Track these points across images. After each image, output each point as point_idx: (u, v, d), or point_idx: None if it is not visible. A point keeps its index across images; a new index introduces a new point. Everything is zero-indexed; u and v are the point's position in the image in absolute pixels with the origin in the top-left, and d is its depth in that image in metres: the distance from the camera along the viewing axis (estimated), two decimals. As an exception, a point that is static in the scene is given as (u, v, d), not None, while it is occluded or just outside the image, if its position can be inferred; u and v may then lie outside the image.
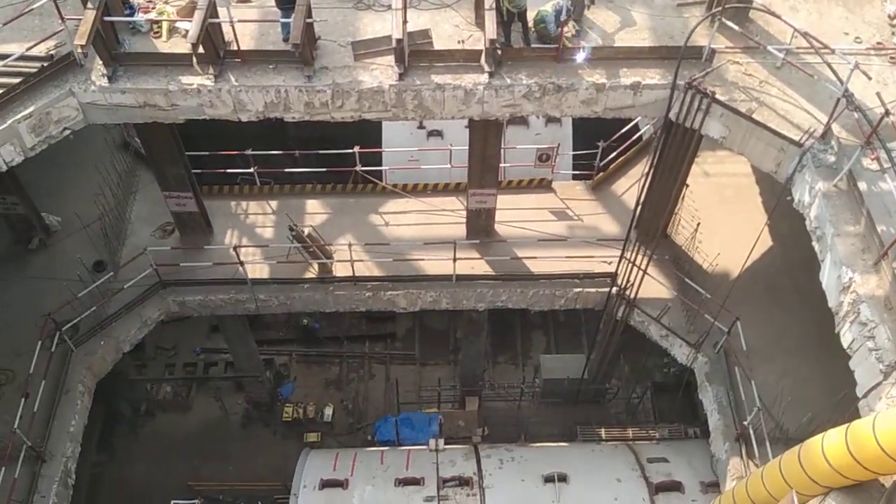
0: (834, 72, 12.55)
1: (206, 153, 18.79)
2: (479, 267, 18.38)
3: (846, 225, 12.01)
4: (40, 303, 16.84)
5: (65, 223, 18.91)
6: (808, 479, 10.53)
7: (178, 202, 17.78)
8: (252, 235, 19.10)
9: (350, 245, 17.61)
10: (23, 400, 15.31)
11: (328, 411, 23.84)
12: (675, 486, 16.98)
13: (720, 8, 13.46)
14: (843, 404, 12.36)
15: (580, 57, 13.98)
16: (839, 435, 10.11)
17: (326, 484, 17.41)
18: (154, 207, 19.06)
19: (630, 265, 16.94)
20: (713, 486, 16.57)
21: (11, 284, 17.86)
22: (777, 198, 13.90)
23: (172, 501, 18.36)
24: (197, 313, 18.98)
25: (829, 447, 10.19)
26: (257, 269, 18.16)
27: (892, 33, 14.42)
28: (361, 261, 18.08)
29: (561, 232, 18.76)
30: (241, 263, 17.50)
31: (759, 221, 15.88)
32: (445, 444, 18.32)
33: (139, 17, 14.18)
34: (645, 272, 16.82)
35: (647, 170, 15.91)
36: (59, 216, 18.98)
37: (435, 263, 18.12)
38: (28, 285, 17.81)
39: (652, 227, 17.17)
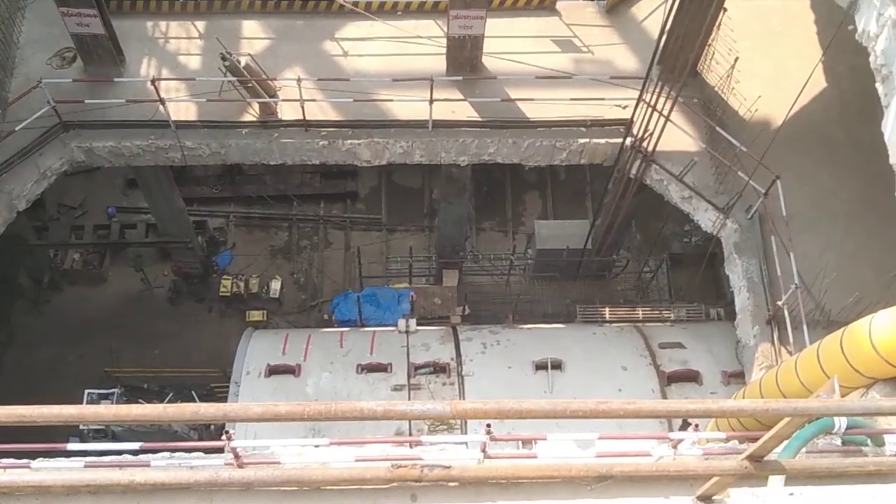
0: None
1: (113, -45, 18.14)
2: (462, 110, 18.31)
3: (920, 57, 11.91)
4: None
5: (-66, 47, 18.41)
6: (850, 368, 10.83)
7: (80, 22, 17.36)
8: (174, 65, 18.79)
9: (299, 79, 17.33)
10: None
11: (275, 285, 24.21)
12: (691, 376, 17.50)
13: None
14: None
15: None
16: (890, 317, 10.34)
17: (274, 370, 17.78)
18: (49, 28, 18.62)
19: (650, 110, 16.83)
20: (737, 377, 17.09)
21: None
22: (835, 27, 13.66)
23: (86, 391, 18.80)
24: (108, 163, 18.87)
25: (878, 332, 10.42)
26: (182, 108, 17.96)
27: None
28: (314, 101, 17.88)
29: (565, 66, 18.63)
30: (162, 101, 17.25)
31: (811, 57, 15.77)
32: (418, 324, 18.66)
33: None
34: (668, 119, 16.74)
35: (675, -12, 15.57)
36: (-74, 38, 18.45)
37: (407, 105, 17.99)
38: None
39: (679, 62, 16.92)
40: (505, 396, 16.62)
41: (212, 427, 17.69)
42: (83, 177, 23.59)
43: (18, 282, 23.49)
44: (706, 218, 17.69)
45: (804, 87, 14.93)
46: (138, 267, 24.20)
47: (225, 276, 24.15)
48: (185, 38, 19.15)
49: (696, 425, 6.87)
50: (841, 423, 7.56)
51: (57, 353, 22.81)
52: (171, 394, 20.05)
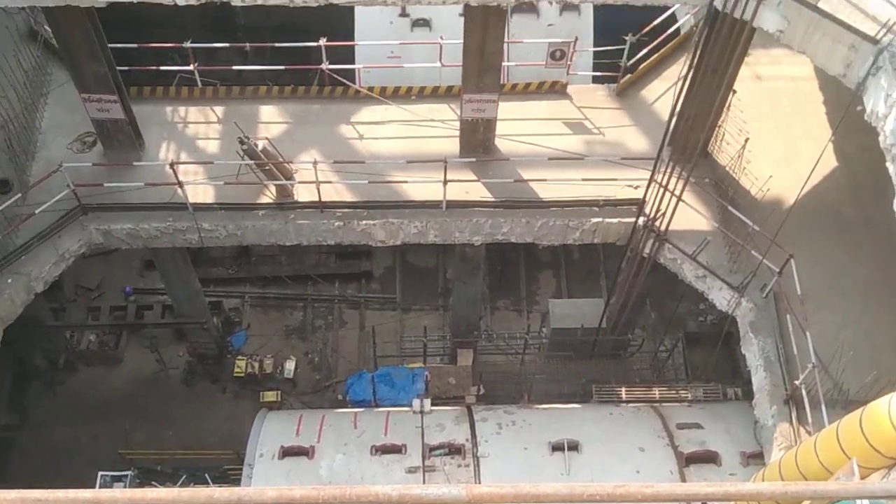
0: (922, -52, 12.38)
1: (135, 45, 18.50)
2: (476, 191, 18.40)
3: (929, 141, 12.01)
4: (-69, 231, 16.79)
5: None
6: (870, 448, 10.69)
7: (101, 107, 17.61)
8: (192, 149, 19.01)
9: (315, 163, 17.47)
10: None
11: (289, 366, 24.12)
12: (710, 457, 17.25)
13: None
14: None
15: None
16: (910, 396, 10.25)
17: (288, 452, 17.62)
18: (70, 114, 18.89)
19: (661, 190, 16.93)
20: (756, 457, 16.85)
21: None
22: (844, 108, 13.81)
23: (100, 473, 18.63)
24: (126, 245, 18.96)
25: (898, 411, 10.34)
26: (200, 191, 18.13)
27: None
28: (329, 182, 18.04)
29: (577, 148, 18.75)
30: (180, 184, 17.43)
31: (821, 138, 15.87)
32: (432, 404, 18.52)
33: None
34: (679, 199, 16.83)
35: (685, 71, 15.80)
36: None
37: (421, 186, 18.10)
38: (-85, 209, 17.71)
39: (690, 144, 17.09)
40: (521, 478, 16.53)
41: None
42: (100, 259, 23.77)
43: (34, 363, 23.50)
44: (721, 297, 17.64)
45: (815, 166, 15.03)
46: (154, 348, 24.19)
47: (239, 357, 24.09)
48: (203, 123, 19.41)
49: (716, 508, 6.78)
50: (863, 505, 7.46)
51: (71, 434, 22.69)
52: (184, 476, 19.84)
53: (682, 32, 20.23)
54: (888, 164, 12.73)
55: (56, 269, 18.16)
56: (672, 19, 19.97)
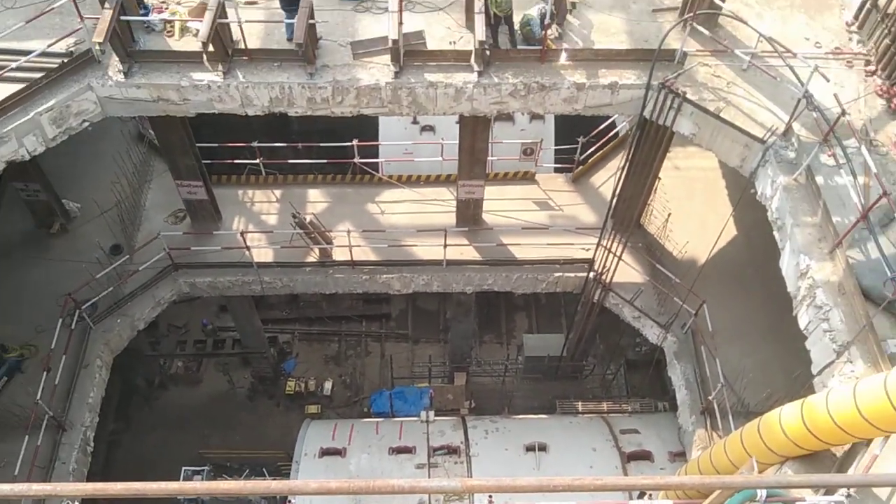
0: (795, 74, 12.55)
1: (216, 144, 18.66)
2: (468, 253, 18.36)
3: (804, 216, 12.05)
4: (61, 283, 16.72)
5: (84, 209, 18.77)
6: (766, 448, 10.59)
7: (190, 190, 17.67)
8: (258, 222, 19.01)
9: (349, 231, 17.55)
10: (45, 373, 15.23)
11: (328, 385, 23.86)
12: (645, 455, 17.05)
13: (692, 14, 13.41)
14: (798, 381, 12.44)
15: (562, 58, 13.92)
16: (795, 409, 10.16)
17: (326, 452, 17.41)
18: (167, 195, 18.93)
19: (606, 252, 16.95)
20: (680, 456, 16.65)
21: (34, 266, 17.74)
22: (741, 191, 13.91)
23: (183, 468, 18.35)
24: (206, 294, 18.92)
25: (786, 420, 10.25)
26: (262, 253, 18.09)
27: (849, 39, 14.42)
28: (359, 246, 18.03)
29: (543, 221, 18.74)
30: (248, 248, 17.45)
31: (724, 213, 15.90)
32: (435, 415, 18.30)
33: (153, 16, 14.03)
34: (620, 258, 16.85)
35: (622, 164, 15.91)
36: (78, 203, 18.84)
37: (427, 249, 18.06)
38: (49, 267, 17.69)
39: (627, 217, 17.17)
40: (503, 473, 16.33)
41: (278, 497, 17.16)
42: (186, 304, 23.64)
43: (136, 383, 23.29)
44: (652, 332, 17.58)
45: (720, 234, 15.12)
46: (225, 371, 23.98)
47: (290, 379, 23.85)
48: (266, 202, 19.42)
49: (650, 495, 6.69)
50: (762, 493, 7.36)
51: (162, 438, 22.37)
52: (247, 471, 19.51)
53: (620, 135, 20.43)
54: (775, 233, 12.81)
55: (153, 312, 18.11)
56: (613, 125, 20.20)
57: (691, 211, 18.38)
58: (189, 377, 24.04)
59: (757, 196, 13.35)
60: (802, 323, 11.85)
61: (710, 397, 15.15)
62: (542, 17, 13.69)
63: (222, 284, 18.35)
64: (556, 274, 18.41)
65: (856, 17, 14.55)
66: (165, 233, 17.49)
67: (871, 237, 10.91)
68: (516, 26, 14.00)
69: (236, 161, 19.73)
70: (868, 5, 14.22)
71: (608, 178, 19.12)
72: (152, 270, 17.58)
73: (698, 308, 15.88)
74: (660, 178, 17.33)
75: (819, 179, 12.16)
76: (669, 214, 17.89)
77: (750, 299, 16.67)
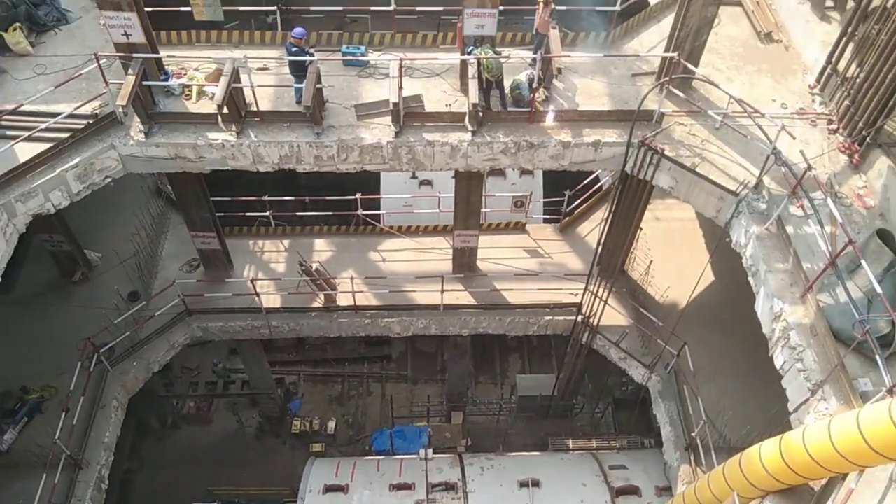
0: (764, 133, 12.76)
1: (229, 198, 18.77)
2: (464, 297, 18.32)
3: (776, 263, 12.10)
4: (81, 328, 16.63)
5: (105, 259, 18.78)
6: (748, 483, 10.46)
7: (204, 241, 17.72)
8: (267, 270, 18.99)
9: (352, 278, 17.57)
10: (63, 413, 15.05)
11: (331, 424, 23.53)
12: (633, 490, 16.77)
13: (667, 78, 13.67)
14: (776, 418, 12.31)
15: (549, 119, 14.14)
16: (774, 445, 10.07)
17: (329, 489, 17.10)
18: (182, 245, 18.97)
19: (593, 297, 16.94)
20: (666, 490, 16.38)
21: (56, 312, 17.67)
22: (718, 239, 13.99)
23: (194, 504, 18.02)
24: (218, 338, 18.79)
25: (766, 455, 10.14)
26: (271, 299, 18.03)
27: (812, 100, 14.70)
28: (362, 292, 18.01)
29: (534, 268, 18.76)
30: (257, 294, 17.41)
31: (702, 260, 15.94)
32: (434, 453, 18.03)
33: (173, 81, 14.28)
34: (606, 303, 16.84)
35: (606, 215, 16.01)
36: (99, 253, 18.86)
37: (425, 294, 18.04)
38: (71, 313, 17.62)
39: (611, 264, 17.22)
40: (497, 507, 15.99)
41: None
42: (199, 347, 23.46)
43: (149, 423, 22.98)
44: (637, 372, 17.46)
45: (699, 280, 15.15)
46: (235, 411, 23.69)
47: (296, 418, 23.53)
48: (275, 252, 19.44)
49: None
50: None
51: (174, 475, 21.94)
52: (254, 506, 19.18)
53: (604, 188, 20.61)
54: (750, 279, 12.84)
55: (168, 355, 17.97)
56: (597, 179, 20.38)
57: (671, 258, 18.41)
58: (200, 417, 23.72)
59: (732, 244, 13.42)
60: (778, 363, 11.79)
61: (693, 434, 14.98)
62: (531, 81, 13.97)
63: (233, 329, 18.25)
64: (547, 317, 18.36)
65: (817, 81, 14.86)
66: (180, 280, 17.45)
67: (840, 282, 10.94)
68: (507, 90, 14.25)
69: (248, 214, 19.83)
70: (828, 70, 14.54)
71: (593, 228, 19.27)
72: (167, 316, 17.51)
73: (680, 349, 15.81)
74: (641, 228, 17.43)
75: (789, 229, 12.26)
76: (651, 262, 17.95)
77: (728, 340, 16.59)
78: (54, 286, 18.28)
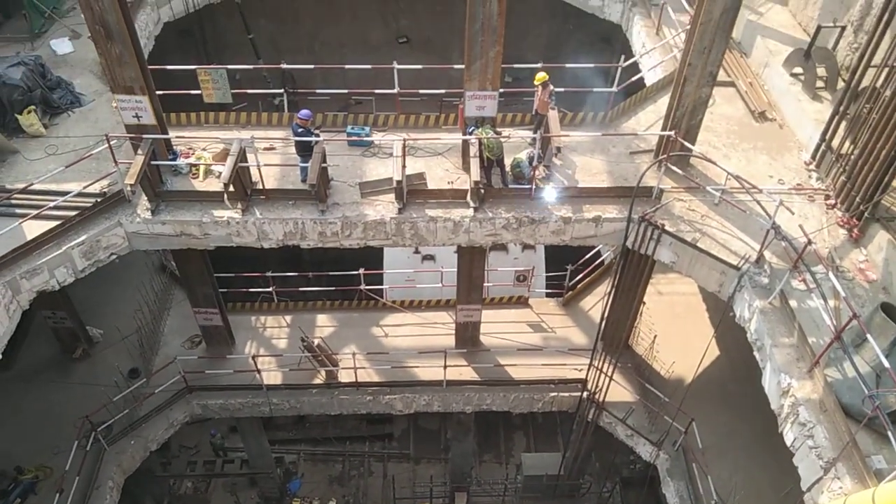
0: (763, 208, 12.93)
1: (232, 274, 18.87)
2: (467, 373, 18.15)
3: (781, 337, 12.03)
4: (80, 406, 16.43)
5: (106, 335, 18.73)
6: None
7: (206, 317, 17.72)
8: (268, 346, 18.90)
9: (354, 354, 17.47)
10: (57, 495, 14.70)
11: (331, 505, 22.95)
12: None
13: (665, 156, 13.97)
14: (789, 498, 11.99)
15: (550, 195, 14.38)
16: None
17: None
18: (184, 321, 18.95)
19: (598, 372, 16.78)
20: (679, 575, 15.78)
21: (56, 390, 17.51)
22: (721, 313, 13.95)
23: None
24: (218, 415, 18.51)
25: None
26: (272, 375, 17.88)
27: (809, 176, 14.95)
28: (363, 368, 17.86)
29: (537, 342, 18.64)
30: (258, 371, 17.27)
31: (707, 334, 15.88)
32: (437, 535, 17.53)
33: (181, 161, 14.60)
34: (611, 378, 16.65)
35: (609, 289, 16.04)
36: (101, 329, 18.84)
37: (428, 370, 17.89)
38: (70, 390, 17.46)
39: (615, 339, 17.13)
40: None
41: None
42: (198, 425, 23.11)
43: (144, 503, 22.35)
44: (645, 450, 17.10)
45: (704, 355, 15.04)
46: (233, 492, 23.09)
47: (295, 499, 22.91)
48: (276, 327, 19.39)
49: None
50: None
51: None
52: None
53: (606, 262, 20.71)
54: (755, 353, 12.73)
55: (166, 433, 17.70)
56: (598, 254, 20.51)
57: (676, 332, 18.32)
58: (198, 498, 23.11)
59: (736, 318, 13.38)
60: (788, 440, 11.56)
61: (704, 515, 14.56)
62: (531, 159, 14.28)
63: (233, 406, 18.01)
64: (552, 394, 18.12)
65: (813, 157, 15.16)
66: (181, 357, 17.37)
67: (846, 357, 10.85)
68: (507, 168, 14.54)
69: (251, 290, 19.89)
70: (823, 147, 14.85)
71: (596, 303, 19.25)
72: (167, 393, 17.33)
73: (687, 425, 15.54)
74: (644, 303, 17.43)
75: (792, 303, 12.25)
76: (655, 336, 17.85)
77: (737, 416, 16.32)
78: (55, 362, 18.18)
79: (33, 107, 15.41)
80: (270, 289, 19.36)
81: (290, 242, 14.52)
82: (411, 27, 26.56)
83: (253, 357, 17.31)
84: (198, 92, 15.76)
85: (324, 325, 19.46)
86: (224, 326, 18.13)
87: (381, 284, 20.54)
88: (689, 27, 13.64)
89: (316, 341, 17.95)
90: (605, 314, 16.12)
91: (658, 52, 18.38)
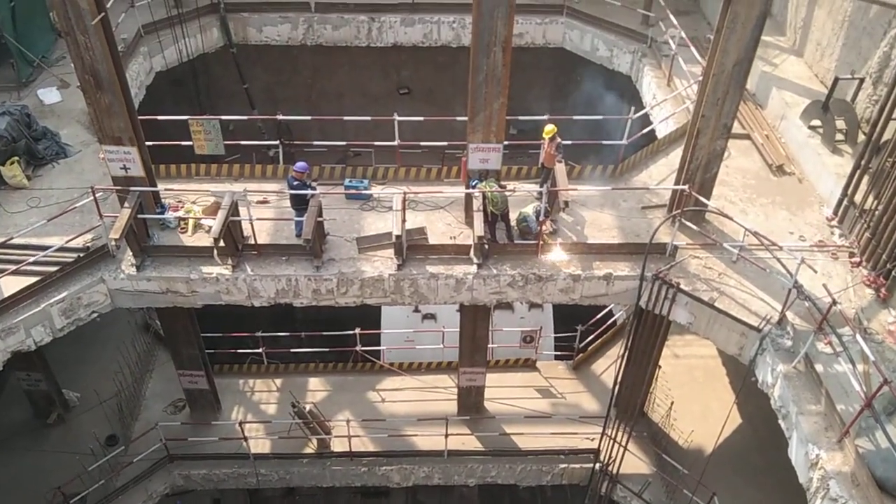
0: (783, 266, 12.89)
1: (219, 335, 18.76)
2: (470, 442, 17.86)
3: (808, 404, 11.82)
4: (53, 476, 16.11)
5: (83, 398, 18.49)
6: None
7: (191, 380, 17.54)
8: (257, 412, 18.65)
9: (348, 421, 17.22)
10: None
11: (322, 588, 22.21)
12: None
13: (679, 211, 14.03)
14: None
15: (558, 251, 14.38)
16: None
17: None
18: (168, 384, 18.74)
19: (611, 442, 16.48)
20: None
21: (27, 458, 17.18)
22: (742, 378, 13.77)
23: None
24: (201, 487, 18.13)
25: None
26: (260, 443, 17.61)
27: (831, 233, 14.97)
28: (358, 436, 17.59)
29: (546, 409, 18.41)
30: (245, 439, 17.00)
31: (728, 400, 15.67)
32: None
33: (169, 214, 14.69)
34: (625, 448, 16.34)
35: (622, 352, 15.85)
36: (78, 392, 18.61)
37: (428, 439, 17.62)
38: (43, 458, 17.13)
39: (630, 406, 16.88)
40: None
41: None
42: (179, 497, 22.63)
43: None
44: (663, 527, 16.66)
45: (725, 423, 14.78)
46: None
47: (283, 580, 22.27)
48: (266, 392, 19.20)
49: None
50: None
51: None
52: None
53: (618, 323, 20.59)
54: (780, 422, 12.51)
55: (144, 507, 17.31)
56: (610, 314, 20.41)
57: (694, 399, 18.10)
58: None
59: (758, 384, 13.20)
60: (819, 517, 11.25)
61: None
62: (537, 213, 14.35)
63: (218, 477, 17.66)
64: (562, 465, 17.77)
65: (835, 213, 15.20)
66: (163, 423, 17.13)
67: (879, 426, 10.65)
68: (513, 222, 14.60)
69: (239, 351, 19.75)
70: (845, 202, 14.91)
71: (609, 366, 19.08)
72: (147, 462, 17.02)
73: (709, 501, 15.15)
74: (660, 366, 17.24)
75: (819, 367, 12.08)
76: (672, 402, 17.60)
77: (761, 490, 15.94)
78: (27, 428, 17.89)
79: (17, 158, 15.60)
80: (260, 350, 19.24)
81: (283, 300, 14.48)
82: (412, 78, 27.11)
83: (240, 423, 17.07)
84: (189, 143, 15.97)
85: (316, 389, 19.27)
86: (210, 390, 17.92)
87: (379, 345, 20.41)
88: (701, 78, 13.87)
89: (307, 407, 17.72)
90: (619, 379, 15.92)
91: (669, 103, 18.68)
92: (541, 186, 15.00)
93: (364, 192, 15.53)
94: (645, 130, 18.25)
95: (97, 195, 13.53)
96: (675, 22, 19.76)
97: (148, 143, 13.85)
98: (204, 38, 21.86)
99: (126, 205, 13.55)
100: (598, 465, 17.21)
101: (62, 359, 18.46)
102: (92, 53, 12.22)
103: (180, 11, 21.06)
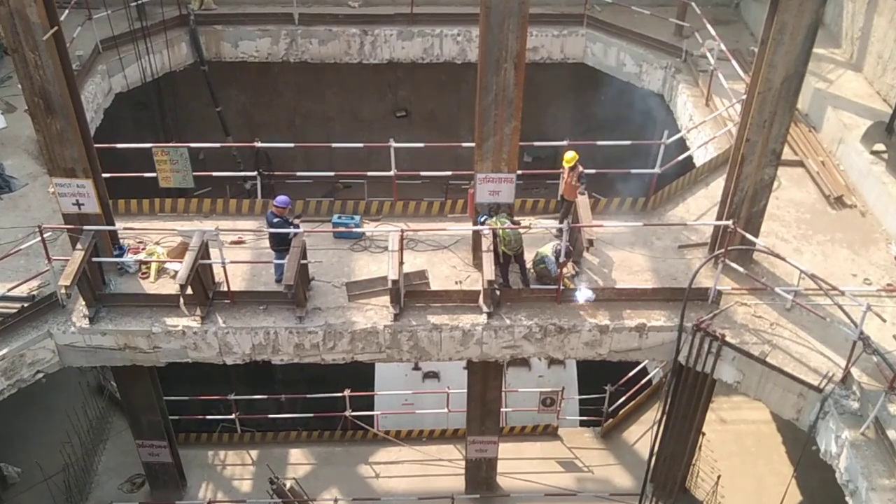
0: (846, 314, 12.83)
1: (186, 398, 18.70)
2: (480, 526, 17.67)
3: (880, 478, 11.67)
4: (-16, 569, 15.98)
5: (25, 474, 18.34)
6: None
7: (152, 452, 17.42)
8: (228, 489, 18.49)
9: (336, 501, 17.11)
10: None
11: None
12: None
13: (722, 250, 14.04)
14: None
15: (581, 298, 14.36)
16: None
17: None
18: (124, 457, 18.66)
19: (647, 524, 16.27)
20: None
21: (-45, 546, 17.03)
22: (802, 447, 13.62)
23: None
24: (160, 580, 17.91)
25: None
26: (232, 528, 17.43)
27: (902, 275, 14.96)
28: (348, 518, 17.41)
29: (569, 485, 18.24)
30: (215, 522, 16.83)
31: (785, 474, 15.50)
32: None
33: (128, 258, 14.76)
34: (664, 532, 16.12)
35: (659, 416, 15.76)
36: (19, 467, 18.47)
37: (430, 521, 17.42)
38: (-27, 549, 16.99)
39: (669, 481, 16.70)
40: None
41: None
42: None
43: None
44: None
45: (783, 499, 14.58)
46: None
47: None
48: (240, 465, 19.06)
49: None
50: None
51: None
52: None
53: (654, 382, 20.47)
54: (848, 499, 12.33)
55: None
56: (644, 371, 20.31)
57: (745, 471, 17.96)
58: None
59: (821, 454, 13.05)
60: None
61: None
62: (557, 254, 14.36)
63: (181, 568, 17.44)
64: (589, 554, 17.55)
65: (905, 251, 15.23)
66: (119, 503, 16.90)
67: (965, 505, 10.48)
68: (529, 264, 14.62)
69: (208, 417, 19.64)
70: (916, 238, 14.95)
71: (643, 434, 18.96)
72: (97, 551, 16.83)
73: None
74: (704, 434, 17.08)
75: (891, 434, 11.96)
76: (719, 477, 17.43)
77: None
78: (-43, 511, 17.77)
79: (-47, 193, 15.78)
80: (233, 416, 19.14)
81: (260, 357, 14.45)
82: (411, 99, 27.47)
83: (209, 503, 16.85)
84: (153, 175, 16.11)
85: (298, 461, 19.15)
86: (174, 463, 17.79)
87: (372, 410, 20.30)
88: (745, 97, 14.02)
89: (288, 483, 17.55)
90: (655, 448, 15.80)
91: (709, 125, 18.85)
92: (560, 222, 15.06)
93: (355, 229, 15.61)
94: (681, 157, 18.39)
95: (45, 235, 13.61)
96: (713, 33, 20.03)
97: (105, 175, 13.98)
98: (171, 54, 22.22)
99: (79, 246, 13.61)
100: (632, 553, 16.96)
101: (2, 428, 18.37)
102: (42, 73, 12.41)
103: (144, 24, 21.40)
